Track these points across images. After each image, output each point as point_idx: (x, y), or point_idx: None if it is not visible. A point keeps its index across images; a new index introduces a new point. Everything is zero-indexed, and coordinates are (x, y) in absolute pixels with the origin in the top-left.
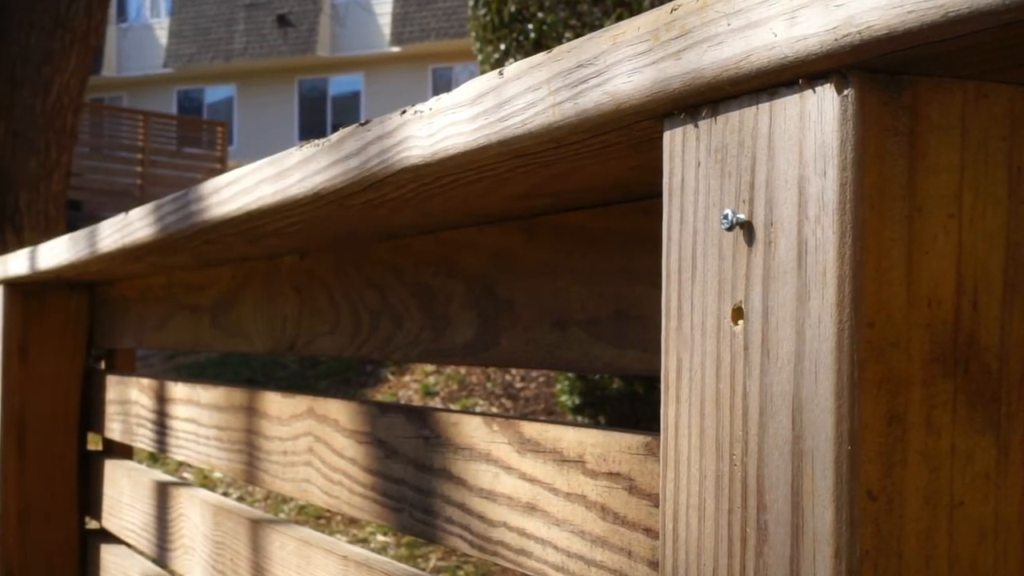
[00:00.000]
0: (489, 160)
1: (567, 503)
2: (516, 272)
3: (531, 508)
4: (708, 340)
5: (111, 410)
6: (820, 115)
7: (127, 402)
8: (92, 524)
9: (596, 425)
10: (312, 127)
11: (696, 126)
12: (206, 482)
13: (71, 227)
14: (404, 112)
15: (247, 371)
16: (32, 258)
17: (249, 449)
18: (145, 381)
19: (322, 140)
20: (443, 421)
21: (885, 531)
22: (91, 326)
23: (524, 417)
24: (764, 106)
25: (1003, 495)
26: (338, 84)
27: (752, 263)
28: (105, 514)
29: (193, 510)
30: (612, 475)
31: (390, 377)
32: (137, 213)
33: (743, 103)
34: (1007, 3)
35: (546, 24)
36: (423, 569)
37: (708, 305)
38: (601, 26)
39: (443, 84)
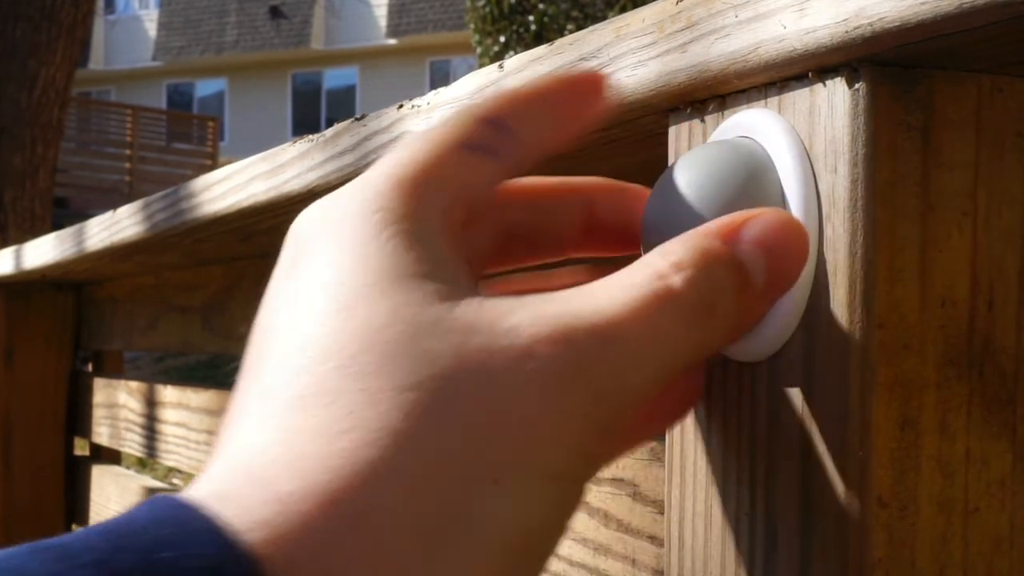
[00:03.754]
0: None
1: None
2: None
3: None
4: None
5: (98, 414)
6: (830, 109)
7: (115, 406)
8: None
9: None
10: (306, 122)
11: (703, 121)
12: None
13: (57, 225)
14: (401, 107)
15: (238, 374)
16: (17, 257)
17: None
18: (133, 384)
19: (316, 135)
20: None
21: (897, 539)
22: (78, 327)
23: None
24: (772, 100)
25: (1019, 501)
26: (333, 78)
27: None
28: (92, 522)
29: None
30: (616, 481)
31: None
32: (126, 211)
33: (751, 97)
34: None
35: (547, 16)
36: None
37: None
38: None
39: (441, 78)
